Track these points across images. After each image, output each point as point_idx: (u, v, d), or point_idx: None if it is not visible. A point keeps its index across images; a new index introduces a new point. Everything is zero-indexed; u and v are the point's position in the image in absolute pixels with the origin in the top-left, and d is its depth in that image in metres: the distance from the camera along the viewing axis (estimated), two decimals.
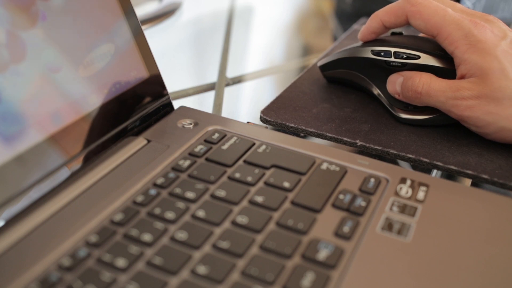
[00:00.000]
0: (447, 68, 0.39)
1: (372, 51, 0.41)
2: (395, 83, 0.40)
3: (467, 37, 0.37)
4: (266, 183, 0.32)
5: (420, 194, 0.31)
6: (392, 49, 0.40)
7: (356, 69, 0.44)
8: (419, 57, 0.39)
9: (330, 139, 0.40)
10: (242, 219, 0.28)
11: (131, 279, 0.25)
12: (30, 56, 0.30)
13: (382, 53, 0.41)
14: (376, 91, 0.43)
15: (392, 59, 0.40)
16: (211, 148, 0.35)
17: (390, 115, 0.42)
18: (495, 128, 0.37)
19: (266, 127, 0.39)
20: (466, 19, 0.38)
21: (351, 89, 0.46)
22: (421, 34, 0.44)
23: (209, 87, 0.51)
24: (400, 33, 0.43)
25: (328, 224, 0.29)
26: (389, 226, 0.29)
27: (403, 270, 0.26)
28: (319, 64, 0.47)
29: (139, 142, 0.35)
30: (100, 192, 0.31)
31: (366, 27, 0.42)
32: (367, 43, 0.42)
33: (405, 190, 0.32)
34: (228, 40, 0.62)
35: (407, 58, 0.40)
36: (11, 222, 0.28)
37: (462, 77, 0.37)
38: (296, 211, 0.29)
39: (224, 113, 0.46)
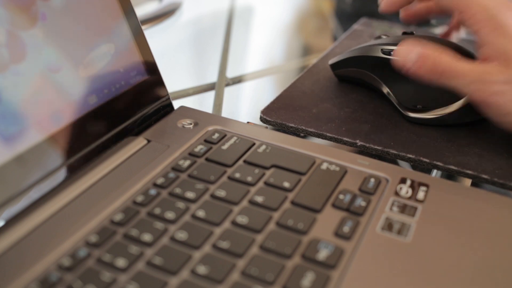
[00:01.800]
0: None
1: (382, 50, 0.42)
2: (411, 51, 0.37)
3: (492, 19, 0.36)
4: (266, 183, 0.32)
5: (420, 194, 0.31)
6: None
7: (366, 68, 0.44)
8: None
9: (330, 139, 0.40)
10: (242, 219, 0.28)
11: (131, 279, 0.25)
12: (30, 56, 0.30)
13: (392, 52, 0.41)
14: (386, 89, 0.43)
15: None
16: (211, 148, 0.35)
17: (399, 114, 0.42)
18: None
19: (266, 127, 0.39)
20: (493, 3, 0.36)
21: (353, 89, 0.46)
22: (439, 32, 0.44)
23: (209, 87, 0.51)
24: (411, 33, 0.43)
25: (328, 224, 0.29)
26: (389, 226, 0.29)
27: (403, 270, 0.26)
28: (330, 62, 0.47)
29: (139, 142, 0.35)
30: (100, 192, 0.31)
31: (390, 1, 0.41)
32: (377, 42, 0.43)
33: (405, 190, 0.32)
34: (228, 40, 0.62)
35: None
36: (11, 222, 0.28)
37: (484, 59, 0.36)
38: (296, 211, 0.29)
39: (224, 113, 0.46)
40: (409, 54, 0.37)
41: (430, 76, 0.36)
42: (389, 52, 0.41)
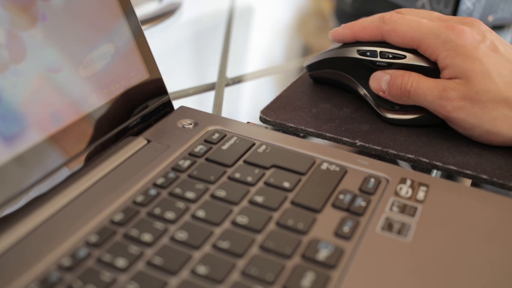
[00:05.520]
0: (433, 68, 0.39)
1: (358, 51, 0.42)
2: (381, 80, 0.40)
3: (446, 43, 0.37)
4: (266, 183, 0.32)
5: (420, 194, 0.31)
6: (378, 49, 0.40)
7: (342, 69, 0.44)
8: (405, 56, 0.39)
9: (329, 139, 0.40)
10: (242, 219, 0.28)
11: (131, 279, 0.25)
12: (30, 56, 0.30)
13: (368, 53, 0.41)
14: (362, 91, 0.43)
15: (378, 58, 0.40)
16: (211, 148, 0.35)
17: (376, 114, 0.42)
18: (480, 131, 0.37)
19: (266, 127, 0.39)
20: (443, 26, 0.38)
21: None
22: None
23: (209, 87, 0.51)
24: None
25: (328, 224, 0.29)
26: (389, 226, 0.29)
27: (403, 270, 0.26)
28: (305, 64, 0.47)
29: (139, 142, 0.35)
30: (100, 192, 0.31)
31: (339, 33, 0.43)
32: (353, 43, 0.42)
33: (405, 190, 0.32)
34: (228, 40, 0.62)
35: (393, 57, 0.40)
36: (11, 222, 0.28)
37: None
38: (296, 211, 0.29)
39: (224, 113, 0.46)
40: (381, 81, 0.40)
41: (401, 97, 0.39)
42: (365, 53, 0.41)
